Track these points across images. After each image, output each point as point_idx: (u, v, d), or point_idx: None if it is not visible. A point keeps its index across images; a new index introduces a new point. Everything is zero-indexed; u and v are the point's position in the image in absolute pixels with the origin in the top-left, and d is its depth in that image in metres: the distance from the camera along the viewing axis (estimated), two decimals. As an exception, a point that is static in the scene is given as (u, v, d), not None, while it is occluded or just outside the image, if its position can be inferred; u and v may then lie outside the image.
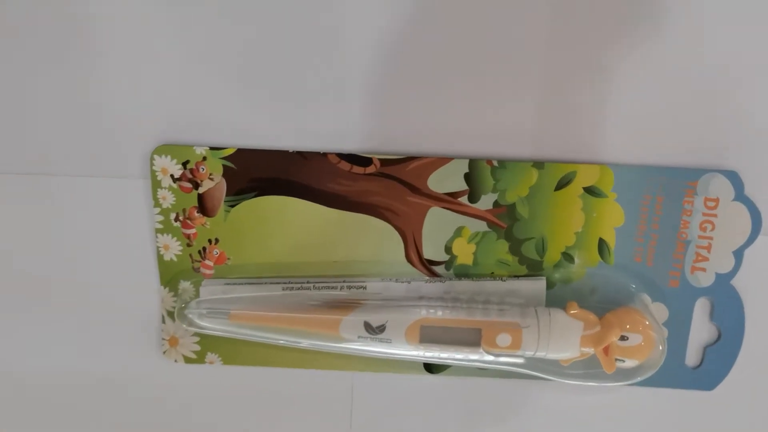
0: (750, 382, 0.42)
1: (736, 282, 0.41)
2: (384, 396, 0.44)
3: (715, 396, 0.43)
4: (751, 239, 0.40)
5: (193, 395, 0.45)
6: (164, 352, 0.44)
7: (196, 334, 0.43)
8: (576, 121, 0.39)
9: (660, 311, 0.41)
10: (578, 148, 0.39)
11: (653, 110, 0.39)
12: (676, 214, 0.40)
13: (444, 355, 0.41)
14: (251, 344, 0.43)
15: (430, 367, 0.43)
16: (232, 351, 0.43)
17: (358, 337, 0.40)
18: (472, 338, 0.40)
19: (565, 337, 0.39)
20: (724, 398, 0.43)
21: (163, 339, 0.43)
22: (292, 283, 0.41)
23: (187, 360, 0.44)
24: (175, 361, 0.44)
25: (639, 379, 0.40)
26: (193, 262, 0.42)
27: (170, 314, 0.43)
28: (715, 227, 0.40)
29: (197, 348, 0.43)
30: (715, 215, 0.40)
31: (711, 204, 0.39)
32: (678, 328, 0.41)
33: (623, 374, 0.40)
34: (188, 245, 0.42)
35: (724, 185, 0.39)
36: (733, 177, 0.39)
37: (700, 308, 0.41)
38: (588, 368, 0.41)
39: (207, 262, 0.42)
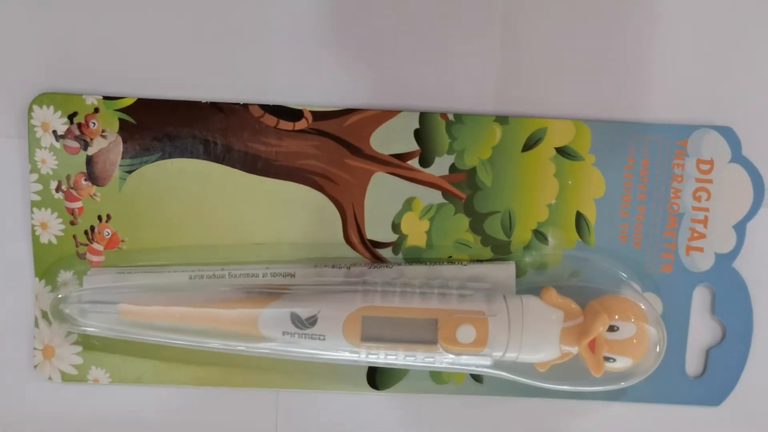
0: (763, 392, 0.35)
1: (739, 264, 0.34)
2: (317, 422, 0.35)
3: (723, 413, 0.35)
4: (753, 210, 0.34)
5: (70, 424, 0.35)
6: (36, 366, 0.34)
7: (77, 342, 0.34)
8: (545, 70, 0.33)
9: (652, 304, 0.33)
10: (548, 103, 0.33)
11: (635, 58, 0.33)
12: (664, 181, 0.34)
13: (392, 356, 0.32)
14: (147, 356, 0.34)
15: (375, 382, 0.34)
16: (123, 365, 0.34)
17: (283, 333, 0.32)
18: (426, 332, 0.32)
19: (541, 330, 0.32)
20: (733, 415, 0.35)
21: (36, 349, 0.34)
22: (202, 271, 0.33)
23: (66, 377, 0.34)
24: (50, 378, 0.34)
25: (632, 381, 0.32)
26: (77, 246, 0.33)
27: (46, 315, 0.34)
28: (710, 196, 0.34)
29: (78, 361, 0.34)
30: (710, 181, 0.34)
31: (705, 167, 0.33)
32: (674, 327, 0.34)
33: (613, 378, 0.33)
34: (72, 223, 0.33)
35: (718, 144, 0.33)
36: (729, 134, 0.33)
37: (699, 299, 0.34)
38: (570, 375, 0.33)
39: (95, 245, 0.33)
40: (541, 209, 0.34)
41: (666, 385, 0.34)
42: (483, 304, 0.32)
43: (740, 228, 0.34)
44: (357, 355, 0.32)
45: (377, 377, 0.34)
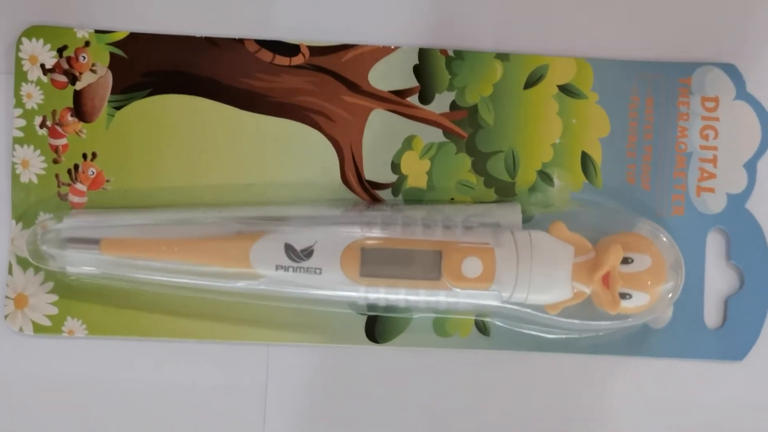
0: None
1: (753, 206, 0.32)
2: (312, 379, 0.32)
3: (747, 368, 0.32)
4: (763, 148, 0.33)
5: (42, 381, 0.32)
6: (6, 317, 0.31)
7: (53, 291, 0.31)
8: (545, 8, 0.33)
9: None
10: (549, 40, 0.33)
11: (631, -2, 0.33)
12: (671, 120, 0.33)
13: (393, 294, 0.30)
14: (129, 306, 0.31)
15: (375, 335, 0.32)
16: (102, 316, 0.31)
17: (276, 267, 0.30)
18: (429, 265, 0.30)
19: (551, 264, 0.30)
20: (759, 370, 0.33)
21: (8, 297, 0.31)
22: (190, 213, 0.31)
23: (38, 329, 0.31)
24: (20, 329, 0.31)
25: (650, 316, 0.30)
26: (59, 186, 0.32)
27: (22, 262, 0.31)
28: (718, 134, 0.33)
29: (53, 311, 0.31)
30: (716, 119, 0.33)
31: (710, 105, 0.33)
32: (689, 275, 0.32)
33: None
34: (55, 161, 0.32)
35: (722, 81, 0.33)
36: (732, 71, 0.33)
37: (714, 245, 0.33)
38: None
39: (78, 185, 0.32)
40: (545, 149, 0.33)
41: (684, 337, 0.32)
42: (489, 237, 0.30)
43: (751, 167, 0.33)
44: (355, 292, 0.30)
45: (377, 329, 0.32)
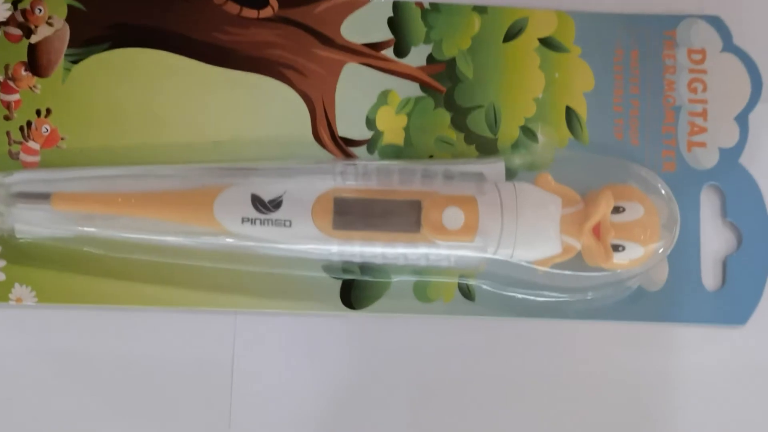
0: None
1: (746, 160, 0.31)
2: (283, 348, 0.30)
3: (750, 332, 0.30)
4: (753, 100, 0.31)
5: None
6: (-54, 284, 0.29)
7: (0, 256, 0.29)
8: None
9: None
10: (526, -7, 0.32)
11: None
12: (657, 72, 0.31)
13: (369, 249, 0.28)
14: (82, 270, 0.29)
15: (351, 300, 0.30)
16: (54, 282, 0.29)
17: (243, 220, 0.27)
18: (408, 216, 0.28)
19: (538, 215, 0.28)
20: (763, 335, 0.30)
21: (-51, 264, 0.29)
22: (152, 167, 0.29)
23: (-19, 298, 0.29)
24: (-38, 298, 0.29)
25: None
26: (10, 144, 0.29)
27: (-35, 225, 0.29)
28: (707, 87, 0.31)
29: (0, 277, 0.29)
30: (704, 71, 0.31)
31: (697, 57, 0.31)
32: (685, 234, 0.30)
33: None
34: (6, 118, 0.29)
35: (707, 33, 0.31)
36: (717, 23, 0.32)
37: (708, 202, 0.31)
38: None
39: (31, 143, 0.29)
40: (527, 104, 0.31)
41: (682, 300, 0.30)
42: (472, 187, 0.28)
43: (742, 120, 0.31)
44: (328, 247, 0.28)
45: (353, 294, 0.30)
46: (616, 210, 0.28)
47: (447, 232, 0.28)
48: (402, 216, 0.28)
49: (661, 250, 0.28)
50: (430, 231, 0.27)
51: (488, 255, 0.28)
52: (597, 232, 0.28)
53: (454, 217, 0.28)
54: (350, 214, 0.28)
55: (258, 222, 0.27)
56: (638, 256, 0.28)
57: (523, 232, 0.28)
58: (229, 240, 0.28)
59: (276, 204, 0.27)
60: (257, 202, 0.27)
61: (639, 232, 0.28)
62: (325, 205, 0.28)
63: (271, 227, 0.27)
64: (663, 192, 0.29)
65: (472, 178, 0.29)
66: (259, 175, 0.28)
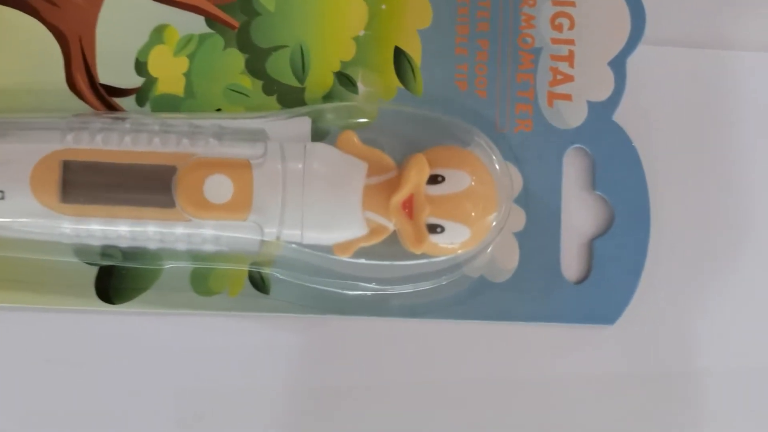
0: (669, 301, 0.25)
1: (622, 117, 0.25)
2: (23, 349, 0.24)
3: (620, 333, 0.24)
4: (633, 40, 0.25)
5: None
6: None
7: None
8: None
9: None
10: None
11: None
12: (512, 5, 0.25)
13: (113, 228, 0.22)
14: None
15: (108, 293, 0.23)
16: None
17: (-58, 192, 0.21)
18: (159, 186, 0.21)
19: (332, 184, 0.22)
20: (634, 336, 0.24)
21: None
22: None
23: None
24: None
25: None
26: None
27: None
28: (574, 23, 0.25)
29: None
30: (572, 3, 0.25)
31: (563, -15, 0.25)
32: (542, 209, 0.24)
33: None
34: None
35: (578, -46, 0.25)
36: (588, -59, 0.25)
37: (573, 169, 0.25)
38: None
39: None
40: (345, 43, 0.24)
41: (535, 294, 0.24)
42: (246, 149, 0.22)
43: (618, 66, 0.25)
44: (57, 224, 0.22)
45: (111, 285, 0.23)
46: (434, 180, 0.22)
47: (210, 208, 0.21)
48: (151, 186, 0.21)
49: (493, 230, 0.22)
50: (187, 206, 0.21)
51: (269, 238, 0.22)
52: (409, 208, 0.22)
53: (219, 187, 0.21)
54: (83, 183, 0.21)
55: (-40, 194, 0.21)
56: (463, 240, 0.22)
57: (312, 208, 0.21)
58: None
59: (-17, 169, 0.21)
60: (-42, 168, 0.21)
61: (461, 207, 0.22)
62: (49, 171, 0.21)
63: (-23, 199, 0.21)
64: (494, 156, 0.23)
65: (248, 136, 0.22)
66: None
